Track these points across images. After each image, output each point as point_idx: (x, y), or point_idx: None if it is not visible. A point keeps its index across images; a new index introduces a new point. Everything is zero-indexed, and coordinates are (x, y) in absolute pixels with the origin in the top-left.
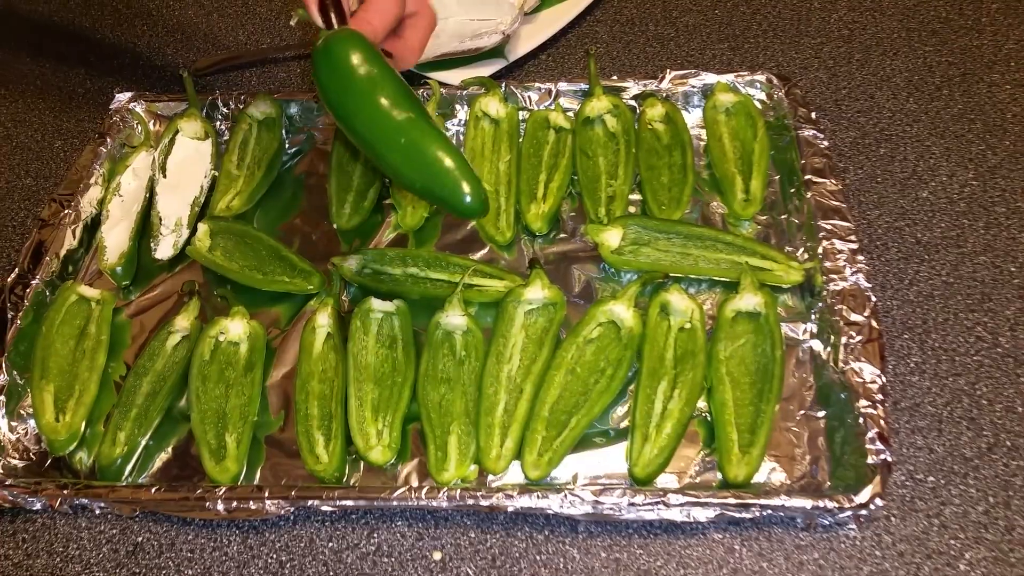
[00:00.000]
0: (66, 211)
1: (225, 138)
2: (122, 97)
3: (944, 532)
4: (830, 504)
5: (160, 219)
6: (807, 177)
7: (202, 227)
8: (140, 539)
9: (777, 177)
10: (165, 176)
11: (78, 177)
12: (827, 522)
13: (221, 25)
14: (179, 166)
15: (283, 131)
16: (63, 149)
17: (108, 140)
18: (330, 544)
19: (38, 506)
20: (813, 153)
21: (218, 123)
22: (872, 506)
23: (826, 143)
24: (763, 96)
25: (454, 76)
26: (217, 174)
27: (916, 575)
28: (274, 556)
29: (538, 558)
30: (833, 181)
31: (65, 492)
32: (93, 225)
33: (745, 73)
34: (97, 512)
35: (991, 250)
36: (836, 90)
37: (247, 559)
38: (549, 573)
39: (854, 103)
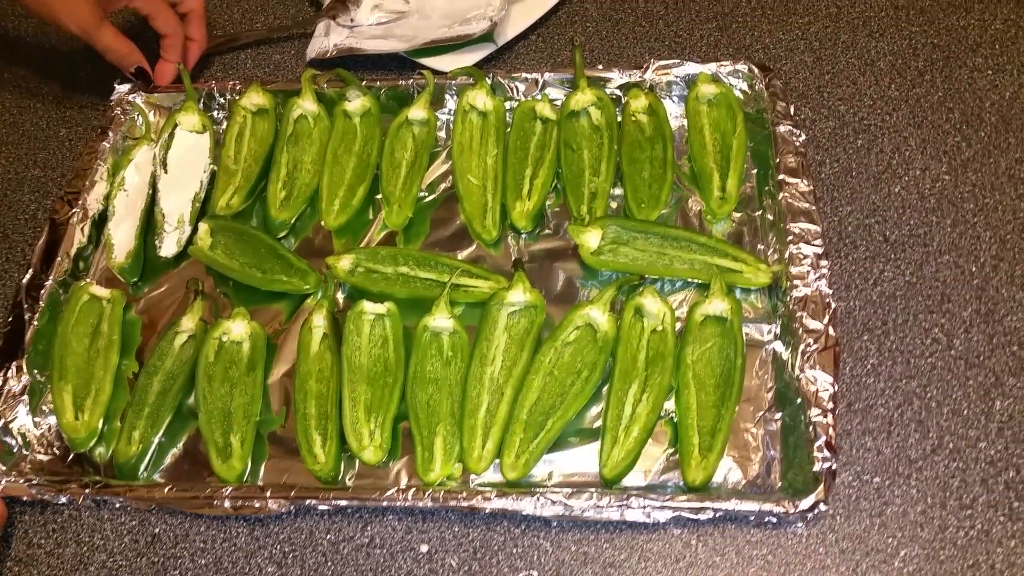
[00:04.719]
0: (74, 209)
1: (223, 127)
2: (121, 89)
3: (884, 531)
4: (777, 508)
5: (163, 216)
6: (780, 177)
7: (203, 226)
8: (157, 530)
9: (755, 171)
10: (166, 171)
11: (83, 173)
12: (776, 520)
13: (216, 1)
14: (179, 160)
15: (278, 121)
16: (68, 138)
17: (110, 134)
18: (328, 536)
19: (63, 500)
20: (788, 151)
21: (216, 112)
22: (816, 511)
23: (802, 138)
24: (745, 86)
25: (445, 63)
26: (216, 168)
27: (855, 571)
28: (278, 547)
29: (515, 551)
30: (805, 182)
31: (87, 491)
32: (100, 221)
33: (727, 63)
34: (117, 505)
35: (955, 249)
36: (820, 75)
37: (254, 549)
38: (524, 564)
39: (836, 89)
